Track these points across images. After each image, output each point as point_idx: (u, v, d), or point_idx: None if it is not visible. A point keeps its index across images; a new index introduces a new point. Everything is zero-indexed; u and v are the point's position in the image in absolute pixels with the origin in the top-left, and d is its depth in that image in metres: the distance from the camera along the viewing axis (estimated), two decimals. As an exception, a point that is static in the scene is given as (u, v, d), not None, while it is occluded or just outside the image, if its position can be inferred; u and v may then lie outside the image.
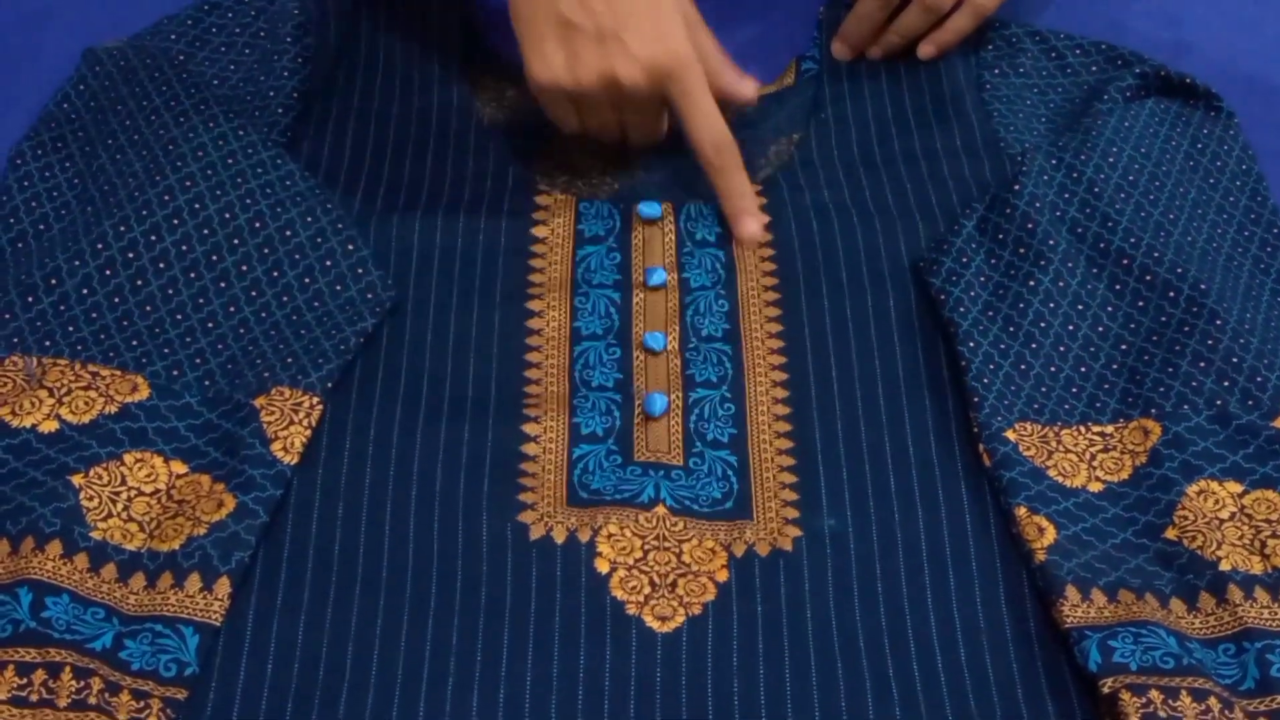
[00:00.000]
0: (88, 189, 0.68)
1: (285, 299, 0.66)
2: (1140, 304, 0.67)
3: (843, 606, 0.59)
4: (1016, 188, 0.69)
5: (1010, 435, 0.63)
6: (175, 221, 0.66)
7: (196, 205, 0.66)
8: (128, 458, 0.60)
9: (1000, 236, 0.69)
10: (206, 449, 0.61)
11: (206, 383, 0.63)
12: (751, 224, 0.70)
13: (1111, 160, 0.71)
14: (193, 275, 0.65)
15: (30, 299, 0.64)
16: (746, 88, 0.71)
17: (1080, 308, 0.67)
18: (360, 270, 0.67)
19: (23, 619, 0.54)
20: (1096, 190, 0.70)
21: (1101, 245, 0.69)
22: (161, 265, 0.65)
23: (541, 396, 0.65)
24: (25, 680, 0.52)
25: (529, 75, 0.68)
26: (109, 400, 0.62)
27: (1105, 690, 0.55)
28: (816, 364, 0.66)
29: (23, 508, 0.57)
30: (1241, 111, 0.77)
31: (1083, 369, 0.66)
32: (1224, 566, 0.59)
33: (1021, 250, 0.68)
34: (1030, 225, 0.68)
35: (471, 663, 0.56)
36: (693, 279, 0.69)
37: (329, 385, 0.63)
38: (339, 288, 0.66)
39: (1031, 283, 0.67)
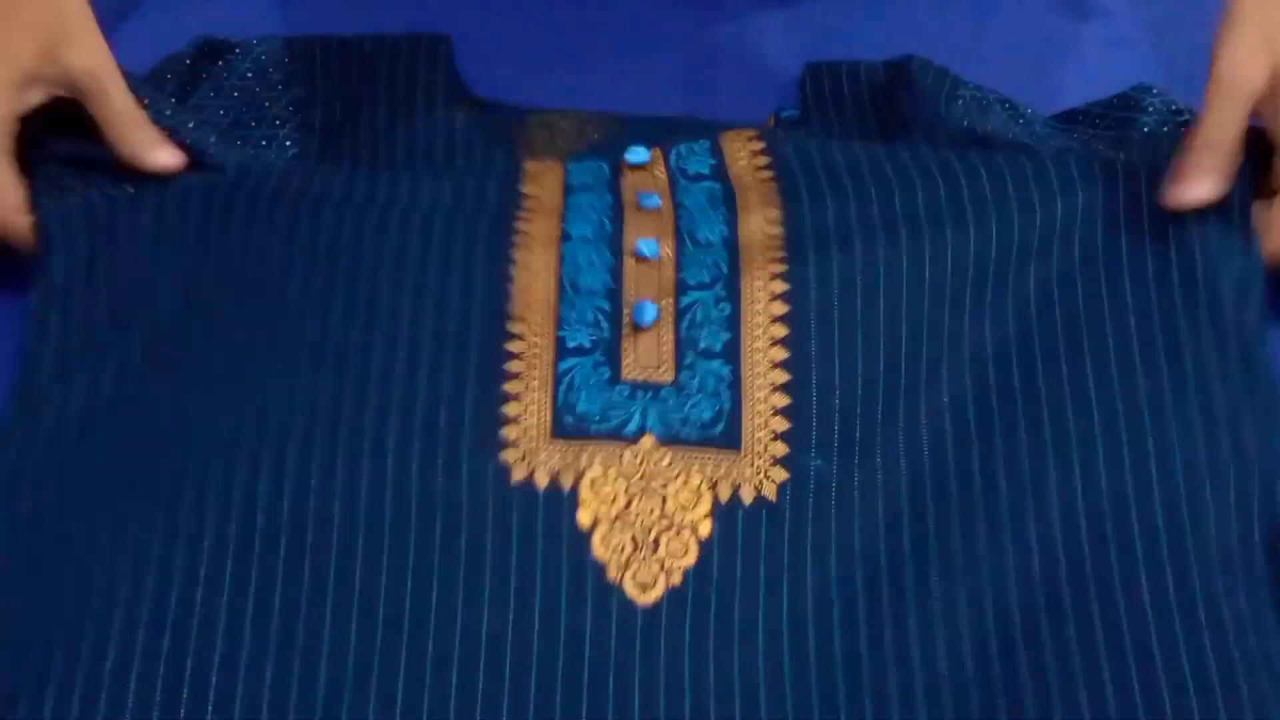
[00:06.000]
0: None
1: None
2: None
3: (819, 569, 0.59)
4: None
5: None
6: None
7: None
8: None
9: None
10: None
11: None
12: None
13: None
14: None
15: None
16: None
17: None
18: None
19: None
20: None
21: None
22: None
23: (527, 302, 0.64)
24: None
25: None
26: None
27: None
28: (819, 265, 0.65)
29: None
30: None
31: None
32: None
33: None
34: None
35: (452, 622, 0.57)
36: (688, 202, 0.69)
37: None
38: None
39: None
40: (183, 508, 0.59)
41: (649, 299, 0.64)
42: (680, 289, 0.65)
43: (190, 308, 0.65)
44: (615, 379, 0.63)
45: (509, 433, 0.61)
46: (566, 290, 0.65)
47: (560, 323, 0.63)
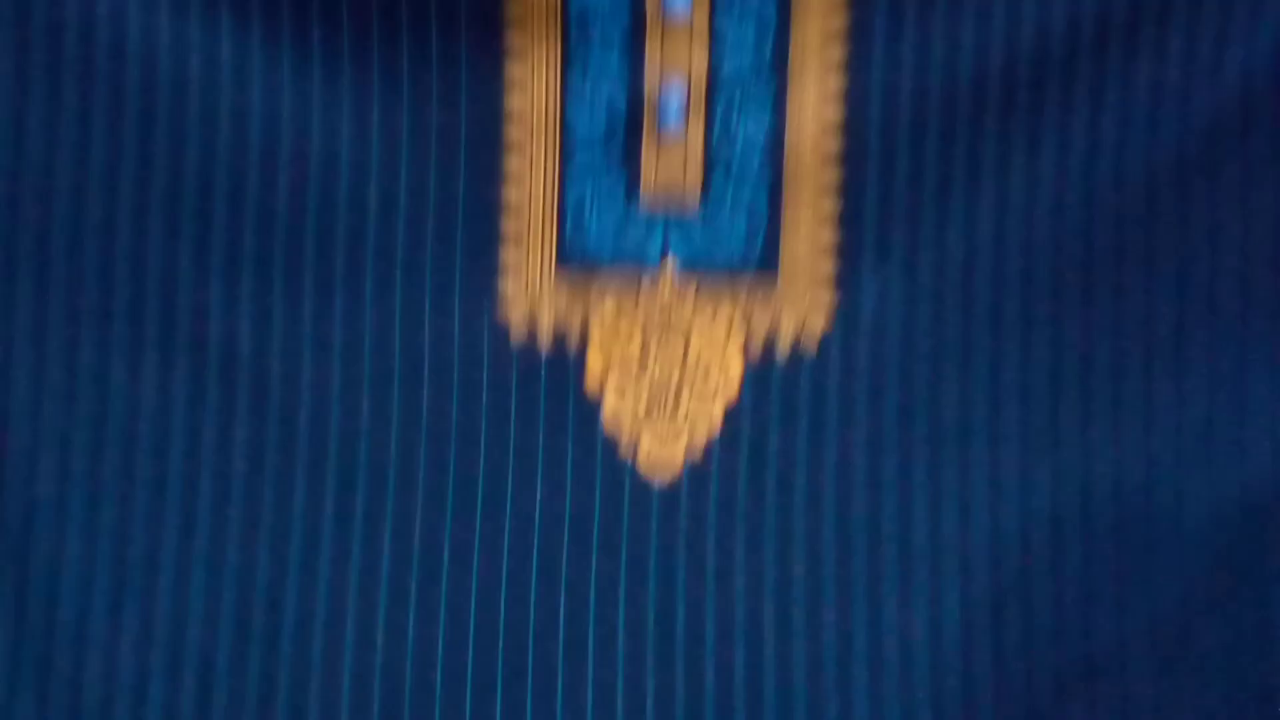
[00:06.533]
0: None
1: None
2: None
3: (873, 419, 0.51)
4: None
5: None
6: None
7: None
8: None
9: None
10: None
11: None
12: None
13: None
14: None
15: None
16: None
17: None
18: None
19: None
20: None
21: None
22: None
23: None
24: None
25: None
26: None
27: None
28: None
29: None
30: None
31: None
32: None
33: None
34: None
35: (443, 492, 0.51)
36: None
37: None
38: None
39: None
40: (147, 341, 0.51)
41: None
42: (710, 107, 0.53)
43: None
44: (632, 198, 0.53)
45: (507, 257, 0.52)
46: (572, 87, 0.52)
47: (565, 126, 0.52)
